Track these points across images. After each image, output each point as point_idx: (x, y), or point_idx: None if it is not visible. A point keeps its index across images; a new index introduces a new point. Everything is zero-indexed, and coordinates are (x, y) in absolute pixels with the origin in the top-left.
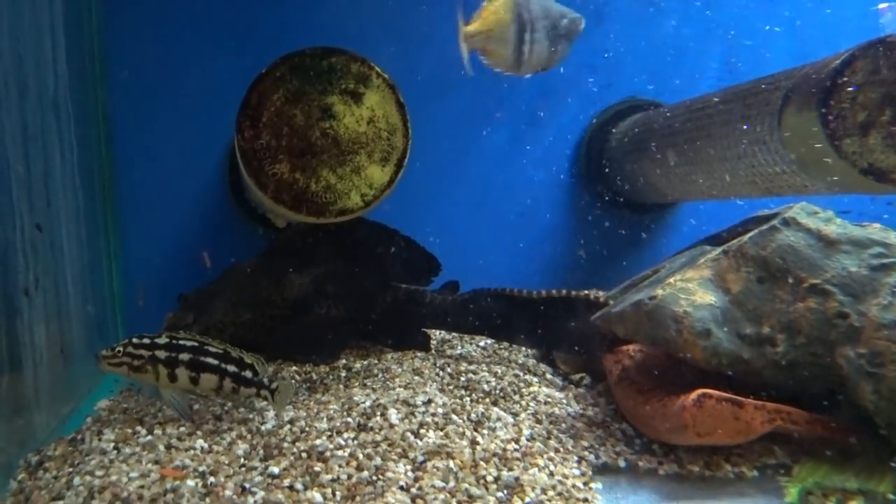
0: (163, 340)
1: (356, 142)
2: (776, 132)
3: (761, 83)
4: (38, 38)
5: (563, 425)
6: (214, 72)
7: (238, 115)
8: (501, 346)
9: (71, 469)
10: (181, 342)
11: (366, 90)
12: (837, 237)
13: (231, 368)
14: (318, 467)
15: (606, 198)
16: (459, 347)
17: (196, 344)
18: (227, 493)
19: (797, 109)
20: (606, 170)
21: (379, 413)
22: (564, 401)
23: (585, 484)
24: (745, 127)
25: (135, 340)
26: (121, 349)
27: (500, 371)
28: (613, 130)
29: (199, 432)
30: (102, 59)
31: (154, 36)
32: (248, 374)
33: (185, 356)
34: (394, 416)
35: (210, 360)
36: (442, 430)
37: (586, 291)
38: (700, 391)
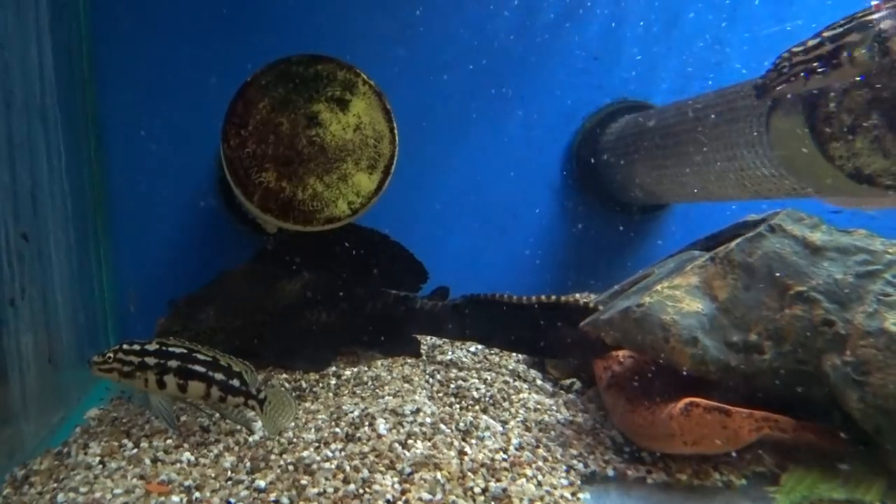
0: (153, 347)
1: (343, 149)
2: (764, 135)
3: (750, 85)
4: (24, 44)
5: (553, 433)
6: (204, 76)
7: (224, 124)
8: (492, 352)
9: (56, 485)
10: (170, 349)
11: (352, 97)
12: (823, 244)
13: (218, 376)
14: (304, 480)
15: (597, 200)
16: (450, 353)
17: (185, 351)
18: None
19: (785, 113)
20: (597, 172)
21: (367, 423)
22: (554, 407)
23: (573, 494)
24: (733, 130)
25: (125, 346)
26: (111, 355)
27: (489, 377)
28: (604, 132)
29: (185, 444)
30: (91, 65)
31: (143, 41)
32: (236, 382)
33: (173, 363)
34: (382, 426)
35: (198, 368)
36: (430, 440)
37: (576, 297)
38: (687, 400)
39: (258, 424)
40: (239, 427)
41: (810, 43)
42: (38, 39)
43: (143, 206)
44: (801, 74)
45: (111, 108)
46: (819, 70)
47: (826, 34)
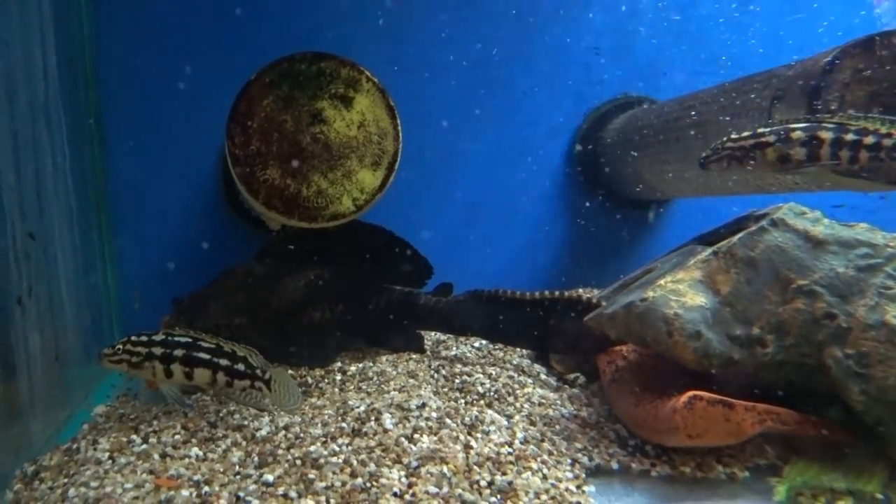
0: (159, 338)
1: (347, 146)
2: None
3: (752, 80)
4: (28, 44)
5: (557, 427)
6: (207, 75)
7: (228, 122)
8: (496, 347)
9: (66, 480)
10: (176, 339)
11: (356, 94)
12: (825, 238)
13: (223, 362)
14: (312, 474)
15: (600, 195)
16: (454, 348)
17: (189, 340)
18: (222, 502)
19: (787, 107)
20: (600, 167)
21: (373, 418)
22: (558, 402)
23: (578, 487)
24: (735, 125)
25: (133, 338)
26: (120, 347)
27: (494, 372)
28: (607, 127)
29: (193, 440)
30: (94, 64)
31: (146, 40)
32: (241, 366)
33: (178, 352)
34: (388, 420)
35: (202, 355)
36: (436, 434)
37: (579, 292)
38: (690, 393)
39: (265, 419)
40: (246, 422)
41: (744, 134)
42: (42, 39)
43: (147, 205)
44: (726, 159)
45: (114, 107)
46: (741, 158)
47: (759, 130)
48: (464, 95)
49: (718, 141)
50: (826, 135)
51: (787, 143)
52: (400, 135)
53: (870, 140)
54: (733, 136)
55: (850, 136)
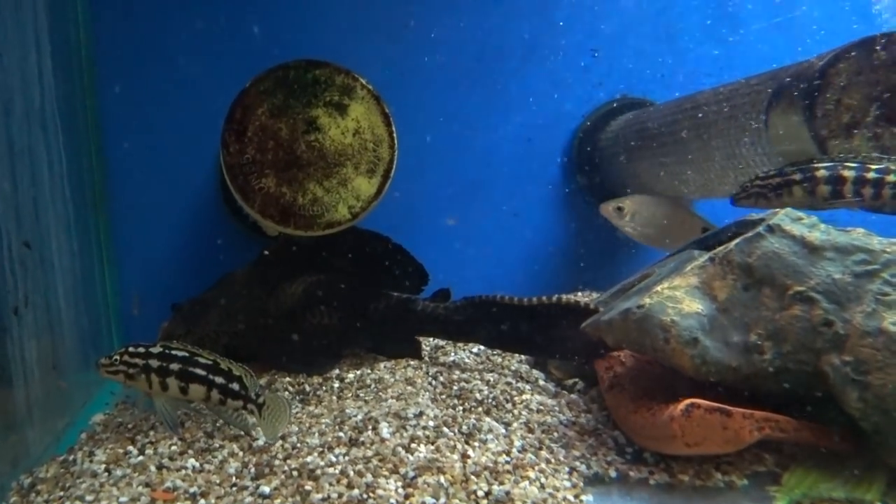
0: (156, 350)
1: (342, 154)
2: (764, 132)
3: (750, 83)
4: (23, 51)
5: (555, 434)
6: (205, 80)
7: (223, 130)
8: (494, 353)
9: (62, 493)
10: (173, 352)
11: (351, 102)
12: (821, 244)
13: (218, 380)
14: (308, 486)
15: (598, 198)
16: (453, 354)
17: (187, 354)
18: None
19: (784, 110)
20: (599, 169)
21: (370, 427)
22: (557, 408)
23: (576, 497)
24: (733, 126)
25: (130, 349)
26: (118, 357)
27: (492, 379)
28: (605, 129)
29: (190, 451)
30: (91, 69)
31: (142, 46)
32: (235, 386)
33: (175, 366)
34: (385, 430)
35: (198, 371)
36: (433, 443)
37: (577, 297)
38: (688, 401)
39: (258, 430)
40: (243, 432)
41: (771, 173)
42: (37, 46)
43: (145, 211)
44: (755, 196)
45: (111, 114)
46: (768, 196)
47: (786, 169)
48: (461, 98)
49: (747, 179)
50: (848, 174)
51: (812, 181)
52: (395, 142)
53: (892, 178)
54: (761, 175)
55: (871, 175)
